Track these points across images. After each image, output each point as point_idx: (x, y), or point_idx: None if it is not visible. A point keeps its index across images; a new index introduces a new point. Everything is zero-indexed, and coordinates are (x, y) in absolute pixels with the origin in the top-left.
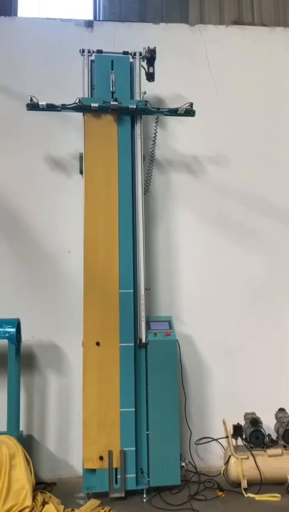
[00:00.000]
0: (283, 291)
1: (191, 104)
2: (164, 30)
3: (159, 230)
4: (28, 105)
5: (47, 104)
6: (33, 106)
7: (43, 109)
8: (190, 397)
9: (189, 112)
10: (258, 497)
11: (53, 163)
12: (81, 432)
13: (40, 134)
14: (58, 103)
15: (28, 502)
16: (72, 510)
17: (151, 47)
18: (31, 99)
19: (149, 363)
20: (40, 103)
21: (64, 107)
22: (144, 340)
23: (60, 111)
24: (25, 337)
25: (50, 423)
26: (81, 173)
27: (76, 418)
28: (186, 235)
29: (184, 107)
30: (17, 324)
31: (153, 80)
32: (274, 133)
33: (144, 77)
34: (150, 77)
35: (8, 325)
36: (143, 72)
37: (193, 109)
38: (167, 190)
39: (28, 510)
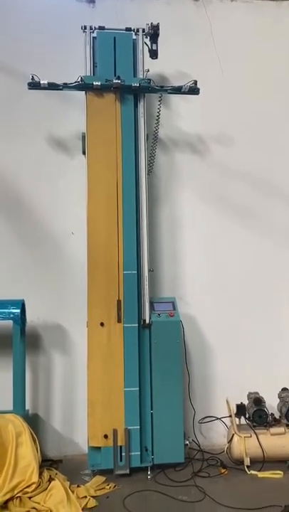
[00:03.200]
0: (287, 272)
1: (195, 82)
2: (168, 5)
3: (162, 211)
4: (29, 84)
5: (48, 83)
6: (34, 85)
7: (44, 88)
8: (193, 376)
9: (193, 90)
10: (260, 474)
11: (55, 144)
12: (86, 411)
13: (41, 113)
14: (59, 81)
15: (35, 478)
16: (78, 486)
17: (155, 23)
18: (33, 78)
19: (153, 344)
20: (41, 82)
21: (66, 86)
22: (147, 321)
23: (62, 90)
24: (30, 318)
25: (55, 402)
26: (84, 153)
27: (81, 397)
28: (190, 216)
29: (188, 84)
30: (21, 305)
31: (156, 58)
32: (280, 111)
33: (147, 54)
34: (153, 54)
35: (12, 306)
36: (146, 49)
37: (198, 87)
38: (171, 170)
39: (34, 486)
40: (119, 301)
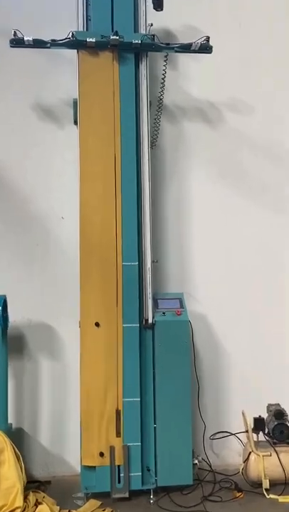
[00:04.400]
0: None
1: (208, 39)
2: None
3: (168, 191)
4: (11, 41)
5: (34, 40)
6: (17, 42)
7: (29, 46)
8: (204, 385)
9: (205, 48)
10: (281, 498)
11: (41, 112)
12: (79, 425)
13: (26, 76)
14: (47, 38)
15: (19, 502)
16: (69, 511)
17: None
18: (15, 34)
19: (157, 347)
20: (25, 38)
21: (54, 43)
22: (150, 321)
23: (49, 47)
24: (14, 317)
25: (43, 414)
26: (75, 123)
27: (73, 409)
28: (201, 196)
29: (199, 41)
30: (3, 302)
31: (161, 9)
32: None
33: (150, 5)
34: (158, 5)
35: None
36: None
37: (210, 44)
38: (178, 142)
39: (19, 510)
40: (118, 412)
